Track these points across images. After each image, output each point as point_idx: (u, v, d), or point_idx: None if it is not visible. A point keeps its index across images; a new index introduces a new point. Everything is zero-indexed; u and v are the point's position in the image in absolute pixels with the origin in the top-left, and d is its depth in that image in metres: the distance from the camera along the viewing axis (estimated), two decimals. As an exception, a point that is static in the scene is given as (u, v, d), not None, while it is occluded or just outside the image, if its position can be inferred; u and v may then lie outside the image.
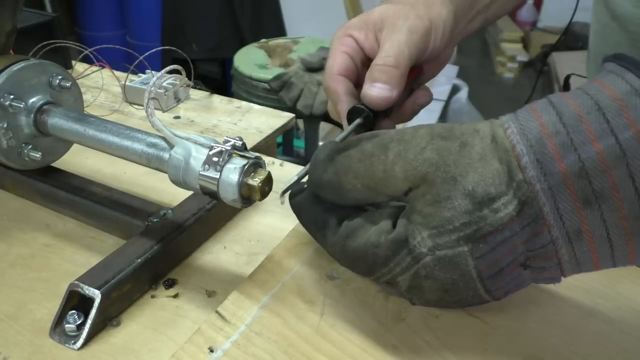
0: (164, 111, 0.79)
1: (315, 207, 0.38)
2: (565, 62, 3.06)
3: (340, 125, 0.45)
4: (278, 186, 0.40)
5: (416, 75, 0.47)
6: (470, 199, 0.30)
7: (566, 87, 0.76)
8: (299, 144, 1.94)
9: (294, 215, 0.40)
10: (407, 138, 0.33)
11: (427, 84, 0.50)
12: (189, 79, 0.81)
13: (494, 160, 0.30)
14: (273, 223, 0.56)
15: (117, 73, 0.84)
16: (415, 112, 0.48)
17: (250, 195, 0.40)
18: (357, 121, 0.42)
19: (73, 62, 0.90)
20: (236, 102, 0.83)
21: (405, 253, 0.32)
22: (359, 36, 0.45)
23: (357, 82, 0.46)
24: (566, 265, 0.31)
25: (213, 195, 0.40)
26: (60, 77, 0.53)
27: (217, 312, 0.41)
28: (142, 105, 0.72)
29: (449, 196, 0.30)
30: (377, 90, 0.41)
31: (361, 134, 0.36)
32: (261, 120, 0.77)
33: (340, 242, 0.35)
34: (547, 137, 0.29)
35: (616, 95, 0.28)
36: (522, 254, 0.31)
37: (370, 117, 0.42)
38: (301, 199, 0.39)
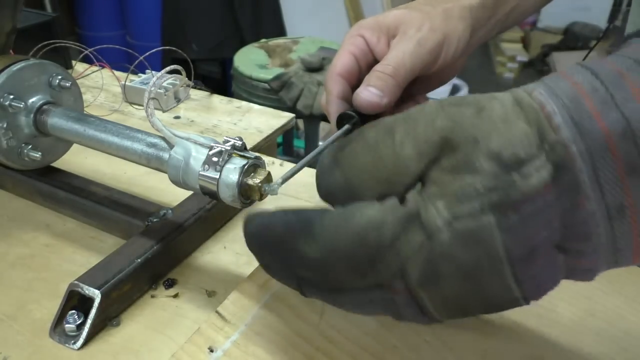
0: (164, 111, 0.79)
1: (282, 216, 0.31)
2: (565, 62, 3.06)
3: None
4: (278, 186, 0.40)
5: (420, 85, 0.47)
6: (495, 162, 0.25)
7: None
8: (299, 144, 1.94)
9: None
10: (414, 115, 0.29)
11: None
12: (189, 79, 0.81)
13: (520, 121, 0.26)
14: (273, 223, 0.56)
15: (117, 73, 0.84)
16: None
17: (250, 195, 0.40)
18: (345, 127, 0.42)
19: (73, 62, 0.90)
20: (236, 102, 0.83)
21: (416, 228, 0.26)
22: (371, 38, 0.44)
23: (358, 84, 0.46)
24: (602, 250, 0.26)
25: (213, 195, 0.40)
26: (60, 77, 0.53)
27: (217, 312, 0.41)
28: (142, 105, 0.72)
29: (470, 159, 0.26)
30: (367, 93, 0.41)
31: (363, 126, 0.33)
32: (261, 120, 0.77)
33: (331, 230, 0.28)
34: (583, 95, 0.25)
35: None
36: (557, 230, 0.25)
37: (359, 123, 0.42)
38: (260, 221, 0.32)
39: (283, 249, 0.30)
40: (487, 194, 0.25)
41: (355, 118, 0.41)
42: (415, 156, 0.28)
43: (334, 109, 0.43)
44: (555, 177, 0.25)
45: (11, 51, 0.58)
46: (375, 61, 0.45)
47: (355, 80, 0.46)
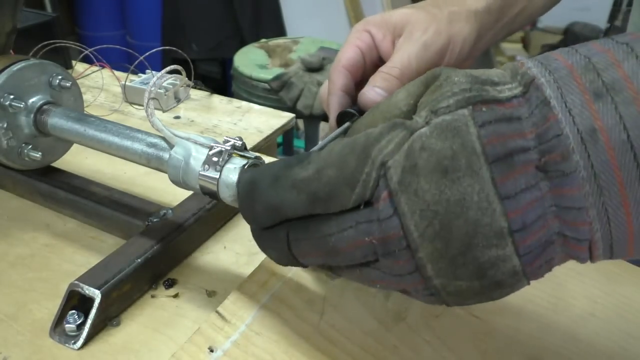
0: (164, 111, 0.79)
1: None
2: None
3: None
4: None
5: None
6: (471, 77, 0.28)
7: None
8: (299, 144, 1.94)
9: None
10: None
11: None
12: (189, 79, 0.81)
13: (499, 70, 0.29)
14: (273, 223, 0.56)
15: (117, 73, 0.84)
16: None
17: (250, 195, 0.40)
18: (346, 125, 0.42)
19: (73, 62, 0.90)
20: (236, 102, 0.83)
21: (400, 128, 0.29)
22: (377, 34, 0.45)
23: (362, 78, 0.46)
24: (585, 183, 0.25)
25: (213, 195, 0.40)
26: (60, 77, 0.53)
27: (217, 312, 0.41)
28: (142, 105, 0.72)
29: (449, 76, 0.29)
30: (373, 93, 0.41)
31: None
32: (261, 120, 0.77)
33: (326, 150, 0.30)
34: (553, 53, 0.28)
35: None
36: (535, 148, 0.26)
37: None
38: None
39: (275, 182, 0.31)
40: (462, 93, 0.28)
41: (357, 116, 0.41)
42: (404, 97, 0.31)
43: (334, 101, 0.43)
44: (526, 94, 0.27)
45: (11, 51, 0.58)
46: (379, 58, 0.45)
47: (359, 75, 0.46)
